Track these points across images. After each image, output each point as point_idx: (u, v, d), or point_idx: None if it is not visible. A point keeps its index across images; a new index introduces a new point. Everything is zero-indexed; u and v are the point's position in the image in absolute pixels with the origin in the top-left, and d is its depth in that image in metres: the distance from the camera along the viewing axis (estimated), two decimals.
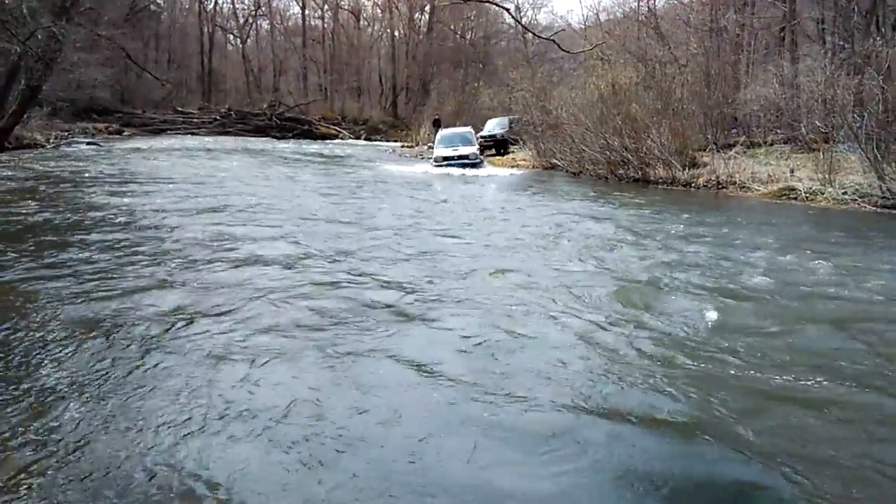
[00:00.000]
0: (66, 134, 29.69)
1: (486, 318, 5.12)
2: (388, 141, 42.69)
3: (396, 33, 57.28)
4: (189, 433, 3.24)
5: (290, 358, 4.22)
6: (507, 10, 28.10)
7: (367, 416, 3.46)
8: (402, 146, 35.69)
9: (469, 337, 4.69)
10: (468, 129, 25.77)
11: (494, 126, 29.24)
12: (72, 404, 3.51)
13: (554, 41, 15.37)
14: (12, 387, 3.70)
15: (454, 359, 4.29)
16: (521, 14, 56.88)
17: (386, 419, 3.44)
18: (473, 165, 21.37)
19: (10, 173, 15.14)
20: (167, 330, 4.70)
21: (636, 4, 33.28)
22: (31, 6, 17.77)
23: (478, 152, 22.44)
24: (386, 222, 9.94)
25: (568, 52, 20.03)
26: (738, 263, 7.13)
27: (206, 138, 37.79)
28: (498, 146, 27.64)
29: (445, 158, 21.49)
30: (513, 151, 26.93)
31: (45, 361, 4.10)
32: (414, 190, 15.56)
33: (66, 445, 3.11)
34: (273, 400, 3.61)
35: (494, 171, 21.79)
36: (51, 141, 25.93)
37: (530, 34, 53.16)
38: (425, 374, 4.03)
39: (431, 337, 4.76)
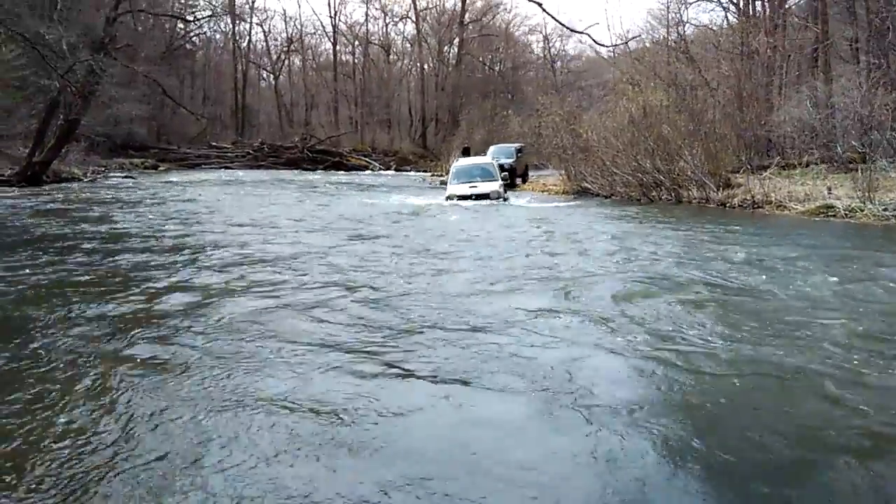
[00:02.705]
0: (103, 168, 30.35)
1: None
2: (417, 171, 42.89)
3: (426, 66, 57.87)
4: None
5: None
6: (540, 3, 27.43)
7: None
8: (432, 175, 35.76)
9: None
10: (490, 160, 21.65)
11: (498, 153, 25.76)
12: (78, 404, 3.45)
13: (589, 35, 15.23)
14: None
15: None
16: (550, 44, 57.48)
17: None
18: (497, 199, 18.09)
19: (43, 200, 15.65)
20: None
21: (665, 32, 33.32)
22: (71, 41, 18.26)
23: (501, 189, 18.64)
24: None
25: (602, 44, 19.78)
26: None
27: (239, 172, 38.28)
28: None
29: (461, 197, 17.93)
30: (520, 183, 25.93)
31: (40, 359, 4.19)
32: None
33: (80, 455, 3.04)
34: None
35: (525, 199, 19.67)
36: (87, 175, 26.49)
37: (558, 58, 53.41)
38: None
39: None
